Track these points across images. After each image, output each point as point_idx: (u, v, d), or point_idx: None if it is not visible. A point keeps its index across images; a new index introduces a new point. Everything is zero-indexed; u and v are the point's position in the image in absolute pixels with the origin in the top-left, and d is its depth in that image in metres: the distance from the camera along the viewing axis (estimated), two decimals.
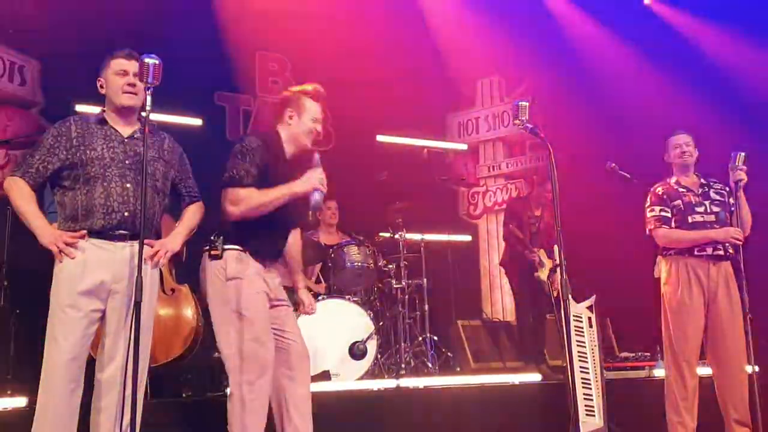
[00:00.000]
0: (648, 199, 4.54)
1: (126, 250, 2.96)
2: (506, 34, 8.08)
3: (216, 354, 5.50)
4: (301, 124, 3.31)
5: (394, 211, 6.21)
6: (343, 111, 7.89)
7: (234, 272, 3.11)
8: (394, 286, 5.98)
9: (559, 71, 7.94)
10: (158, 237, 3.13)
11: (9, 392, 4.40)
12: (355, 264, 5.67)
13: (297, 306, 3.61)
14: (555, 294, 5.84)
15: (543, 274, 6.02)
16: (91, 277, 2.90)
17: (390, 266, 6.03)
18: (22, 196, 2.95)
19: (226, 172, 3.13)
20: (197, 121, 6.80)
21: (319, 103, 3.36)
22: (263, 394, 3.07)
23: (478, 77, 8.83)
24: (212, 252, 3.13)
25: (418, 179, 6.50)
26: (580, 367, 4.36)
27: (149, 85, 2.82)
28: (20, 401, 3.93)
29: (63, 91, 6.26)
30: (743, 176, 4.22)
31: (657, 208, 4.42)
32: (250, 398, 3.02)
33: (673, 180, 4.53)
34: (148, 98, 2.84)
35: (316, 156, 3.32)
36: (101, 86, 3.11)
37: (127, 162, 3.01)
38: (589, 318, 4.49)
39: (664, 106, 7.07)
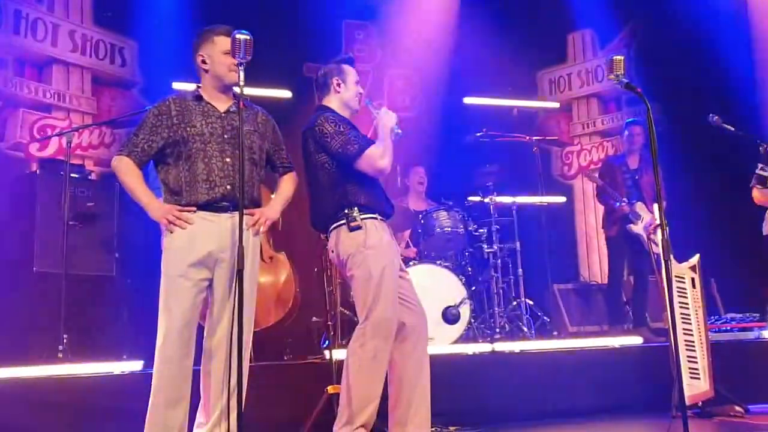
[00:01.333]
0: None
1: (229, 221, 3.07)
2: None
3: (314, 318, 5.70)
4: (349, 90, 3.52)
5: (483, 174, 6.15)
6: (429, 75, 7.87)
7: (374, 241, 3.25)
8: (486, 250, 5.94)
9: (655, 21, 7.57)
10: (257, 207, 3.23)
11: (124, 357, 4.68)
12: (445, 229, 5.67)
13: None
14: (655, 250, 5.68)
15: (637, 228, 5.85)
16: (199, 248, 3.02)
17: (481, 230, 5.99)
18: (129, 173, 3.09)
19: (347, 146, 3.26)
20: (287, 93, 6.92)
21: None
22: (384, 359, 3.20)
23: (569, 31, 8.54)
24: (352, 224, 3.24)
25: (507, 140, 6.39)
26: (683, 329, 4.23)
27: (241, 61, 2.88)
28: (136, 365, 4.17)
29: (160, 69, 6.50)
30: None
31: (759, 165, 4.24)
32: (369, 361, 3.16)
33: None
34: (241, 73, 2.90)
35: (366, 101, 3.58)
36: (203, 61, 3.18)
37: (225, 137, 3.11)
38: (693, 278, 4.34)
39: None
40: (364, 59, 8.02)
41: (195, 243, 3.03)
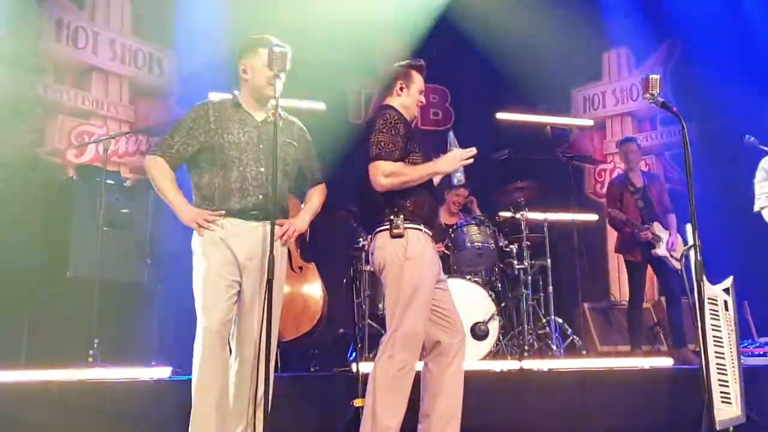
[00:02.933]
0: None
1: (259, 229, 3.09)
2: (634, 2, 7.73)
3: (341, 330, 5.71)
4: (410, 96, 3.49)
5: (515, 190, 6.12)
6: (461, 90, 7.88)
7: (414, 253, 3.19)
8: (517, 266, 5.91)
9: (692, 40, 7.49)
10: (286, 217, 3.26)
11: (153, 363, 4.73)
12: (476, 244, 5.64)
13: None
14: (678, 267, 5.62)
15: (661, 250, 5.77)
16: (229, 252, 3.05)
17: (512, 246, 5.96)
18: (162, 174, 3.11)
19: (373, 146, 3.21)
20: (321, 105, 6.98)
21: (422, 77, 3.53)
22: (411, 372, 3.18)
23: (605, 49, 8.49)
24: (394, 231, 3.19)
25: (540, 157, 6.36)
26: (715, 352, 4.14)
27: (278, 73, 2.90)
28: (164, 371, 4.20)
29: (197, 80, 6.60)
30: None
31: None
32: (397, 372, 3.12)
33: None
34: (278, 84, 2.91)
35: (451, 135, 3.48)
36: (244, 71, 3.21)
37: (260, 146, 3.13)
38: (725, 301, 4.26)
39: None
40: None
41: (224, 247, 3.06)
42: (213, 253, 3.05)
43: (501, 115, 7.66)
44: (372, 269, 3.42)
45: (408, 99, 3.48)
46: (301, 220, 3.29)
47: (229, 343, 3.10)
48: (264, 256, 2.94)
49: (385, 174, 3.18)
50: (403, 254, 3.18)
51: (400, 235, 3.19)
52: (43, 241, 5.22)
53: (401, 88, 3.47)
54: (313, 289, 4.98)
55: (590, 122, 8.41)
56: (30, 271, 5.06)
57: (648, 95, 3.20)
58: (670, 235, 5.89)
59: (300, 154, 3.31)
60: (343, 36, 7.09)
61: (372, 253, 3.33)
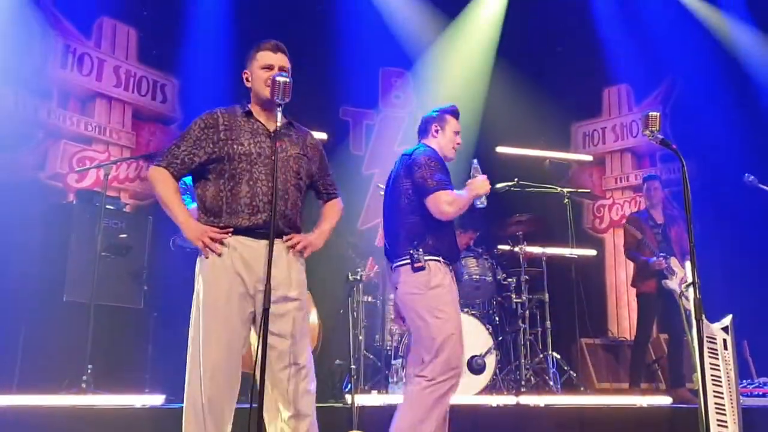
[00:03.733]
0: None
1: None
2: (635, 40, 7.83)
3: (337, 361, 5.67)
4: (446, 136, 3.67)
5: (514, 223, 6.12)
6: (462, 122, 7.92)
7: (437, 281, 3.33)
8: (514, 300, 5.89)
9: (692, 77, 7.57)
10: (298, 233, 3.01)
11: (146, 390, 4.68)
12: (473, 277, 5.63)
13: None
14: (686, 306, 5.57)
15: (672, 283, 5.73)
16: (239, 280, 2.80)
17: (510, 280, 5.94)
18: (167, 187, 2.88)
19: (427, 180, 3.37)
20: (322, 135, 7.01)
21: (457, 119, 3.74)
22: (450, 397, 3.27)
23: (605, 85, 8.57)
24: (416, 264, 3.32)
25: (539, 191, 6.37)
26: (714, 392, 4.11)
27: (280, 103, 2.82)
28: (157, 399, 4.16)
29: (200, 107, 6.62)
30: None
31: None
32: (440, 399, 3.21)
33: None
34: (279, 115, 2.83)
35: (475, 162, 3.64)
36: (246, 79, 3.05)
37: (273, 159, 2.85)
38: (725, 339, 4.23)
39: None
40: (400, 105, 8.14)
41: (234, 270, 2.79)
42: (215, 277, 2.79)
43: (501, 149, 7.69)
44: (381, 300, 3.47)
45: (443, 139, 3.66)
46: (318, 236, 3.04)
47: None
48: (276, 277, 2.72)
49: (448, 202, 3.35)
50: (428, 284, 3.32)
51: (422, 268, 3.33)
52: (41, 265, 5.21)
53: (436, 130, 3.68)
54: (311, 317, 4.94)
55: (589, 158, 8.45)
56: (26, 294, 5.04)
57: (648, 132, 3.21)
58: (685, 274, 5.83)
59: (314, 167, 3.10)
60: (346, 67, 7.17)
61: (395, 287, 3.44)
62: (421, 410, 3.20)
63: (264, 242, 2.77)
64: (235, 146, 2.89)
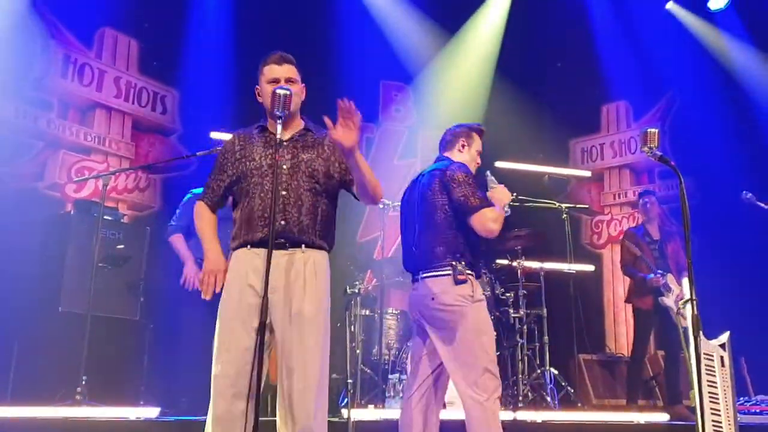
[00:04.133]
0: None
1: (284, 258, 2.80)
2: (634, 57, 7.87)
3: (334, 375, 5.64)
4: (470, 154, 3.71)
5: (512, 238, 6.12)
6: None
7: (479, 295, 3.37)
8: (512, 315, 5.88)
9: (691, 94, 7.60)
10: (324, 240, 2.93)
11: (141, 402, 4.65)
12: None
13: None
14: (683, 324, 5.56)
15: (669, 300, 5.73)
16: (248, 287, 2.78)
17: (508, 294, 5.93)
18: (201, 218, 3.01)
19: (471, 197, 3.36)
20: None
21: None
22: (498, 409, 3.25)
23: (604, 102, 8.60)
24: (459, 277, 3.30)
25: (537, 206, 6.37)
26: (711, 409, 4.09)
27: (280, 116, 2.81)
28: (152, 412, 4.13)
29: (199, 119, 6.67)
30: None
31: None
32: (493, 409, 3.19)
33: None
34: (279, 127, 2.80)
35: (488, 174, 3.67)
36: (258, 95, 3.05)
37: (284, 167, 2.87)
38: (722, 356, 4.22)
39: None
40: (400, 119, 8.17)
41: (246, 281, 2.78)
42: (232, 292, 2.81)
43: (500, 164, 7.70)
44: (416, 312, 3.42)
45: (467, 156, 3.68)
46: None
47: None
48: (288, 287, 2.74)
49: (493, 220, 3.35)
50: (471, 297, 3.32)
51: (465, 281, 3.31)
52: (37, 274, 5.19)
53: (462, 146, 3.70)
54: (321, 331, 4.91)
55: (588, 173, 8.47)
56: (22, 303, 5.01)
57: (646, 148, 3.21)
58: (681, 291, 5.82)
59: (332, 167, 2.98)
60: (346, 80, 7.19)
61: (432, 297, 3.34)
62: (496, 427, 3.19)
63: (279, 252, 2.77)
64: (247, 163, 2.92)
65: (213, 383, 2.75)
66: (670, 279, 5.81)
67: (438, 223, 3.40)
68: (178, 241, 4.90)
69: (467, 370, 3.22)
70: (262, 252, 2.77)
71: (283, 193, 2.84)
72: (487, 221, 3.32)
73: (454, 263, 3.32)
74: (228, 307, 2.81)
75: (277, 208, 2.78)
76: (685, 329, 5.60)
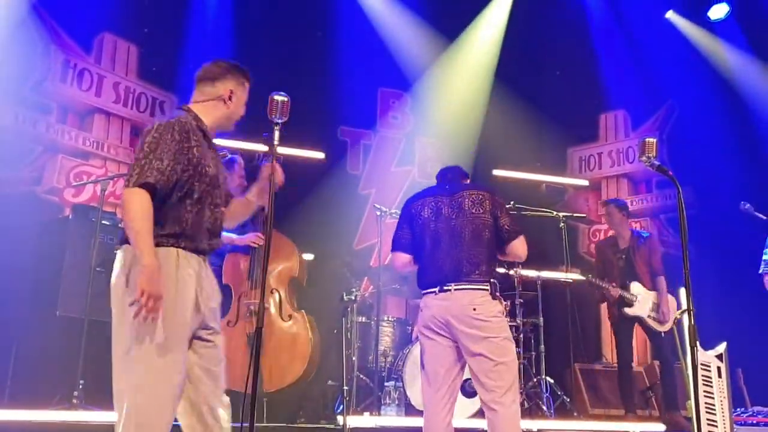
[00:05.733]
0: None
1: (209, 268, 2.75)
2: (633, 66, 7.90)
3: (330, 382, 5.63)
4: None
5: None
6: (459, 145, 7.98)
7: (505, 311, 3.61)
8: (509, 324, 5.86)
9: (689, 104, 7.63)
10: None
11: None
12: None
13: None
14: (659, 328, 5.60)
15: (634, 309, 5.72)
16: (195, 296, 2.64)
17: (504, 303, 5.92)
18: (146, 212, 2.58)
19: (513, 224, 3.60)
20: (320, 155, 7.05)
21: None
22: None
23: (602, 111, 8.62)
24: (497, 294, 3.50)
25: (535, 214, 6.39)
26: (708, 419, 4.10)
27: (278, 122, 2.84)
28: None
29: None
30: None
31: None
32: (519, 412, 3.41)
33: None
34: (276, 133, 2.84)
35: None
36: (230, 97, 2.88)
37: (220, 182, 2.81)
38: (719, 367, 4.23)
39: None
40: (397, 126, 8.18)
41: (191, 291, 2.59)
42: (184, 293, 2.57)
43: (498, 172, 7.73)
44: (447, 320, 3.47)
45: None
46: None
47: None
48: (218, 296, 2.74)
49: (525, 248, 3.63)
50: (504, 313, 3.57)
51: (499, 299, 3.53)
52: (35, 279, 5.19)
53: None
54: (301, 339, 4.91)
55: (585, 182, 8.49)
56: (19, 307, 5.01)
57: (644, 158, 3.22)
58: (659, 297, 5.81)
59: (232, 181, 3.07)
60: (345, 87, 7.21)
61: (474, 308, 3.43)
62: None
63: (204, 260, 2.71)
64: (205, 164, 2.73)
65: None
66: (635, 287, 5.77)
67: (484, 240, 3.52)
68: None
69: (506, 375, 3.40)
70: (199, 260, 2.66)
71: (223, 209, 2.80)
72: (523, 250, 3.61)
73: (493, 281, 3.49)
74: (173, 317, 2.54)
75: (219, 223, 2.77)
76: (665, 334, 5.66)
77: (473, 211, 3.54)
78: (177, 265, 2.59)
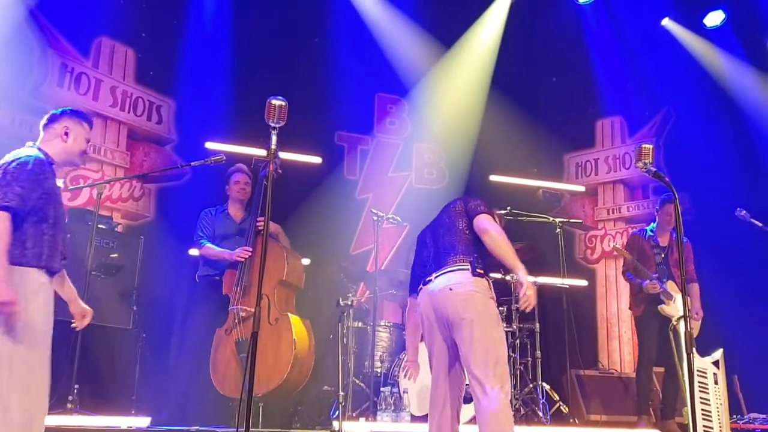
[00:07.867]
0: None
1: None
2: (629, 73, 7.93)
3: (326, 387, 5.62)
4: None
5: None
6: (456, 150, 8.00)
7: (492, 293, 3.39)
8: (505, 329, 5.86)
9: (686, 110, 7.66)
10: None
11: (133, 412, 4.63)
12: None
13: None
14: (677, 328, 5.48)
15: (670, 308, 5.51)
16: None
17: (500, 309, 5.92)
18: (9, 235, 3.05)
19: (482, 206, 3.50)
20: (317, 160, 7.05)
21: None
22: (509, 402, 3.24)
23: (598, 117, 8.64)
24: (479, 269, 3.35)
25: (531, 220, 6.39)
26: (704, 426, 4.10)
27: (275, 126, 2.87)
28: (143, 421, 4.11)
29: (195, 129, 6.68)
30: None
31: None
32: (505, 402, 3.18)
33: None
34: (274, 137, 2.88)
35: None
36: (65, 133, 3.46)
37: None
38: (715, 374, 4.23)
39: None
40: (395, 131, 8.19)
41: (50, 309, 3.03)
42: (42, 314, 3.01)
43: (494, 177, 7.74)
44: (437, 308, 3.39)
45: None
46: None
47: None
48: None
49: (497, 221, 3.54)
50: (488, 293, 3.36)
51: (482, 275, 3.35)
52: None
53: None
54: (285, 342, 4.86)
55: (582, 188, 8.50)
56: None
57: (641, 164, 3.23)
58: (692, 303, 5.62)
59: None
60: (342, 92, 7.22)
61: (450, 288, 3.33)
62: (510, 420, 3.20)
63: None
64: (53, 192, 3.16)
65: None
66: (671, 286, 5.62)
67: (459, 230, 3.49)
68: (210, 248, 5.03)
69: (484, 353, 3.19)
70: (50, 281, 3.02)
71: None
72: (496, 222, 3.48)
73: (471, 258, 3.36)
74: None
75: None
76: (679, 349, 5.52)
77: (451, 214, 3.60)
78: None
